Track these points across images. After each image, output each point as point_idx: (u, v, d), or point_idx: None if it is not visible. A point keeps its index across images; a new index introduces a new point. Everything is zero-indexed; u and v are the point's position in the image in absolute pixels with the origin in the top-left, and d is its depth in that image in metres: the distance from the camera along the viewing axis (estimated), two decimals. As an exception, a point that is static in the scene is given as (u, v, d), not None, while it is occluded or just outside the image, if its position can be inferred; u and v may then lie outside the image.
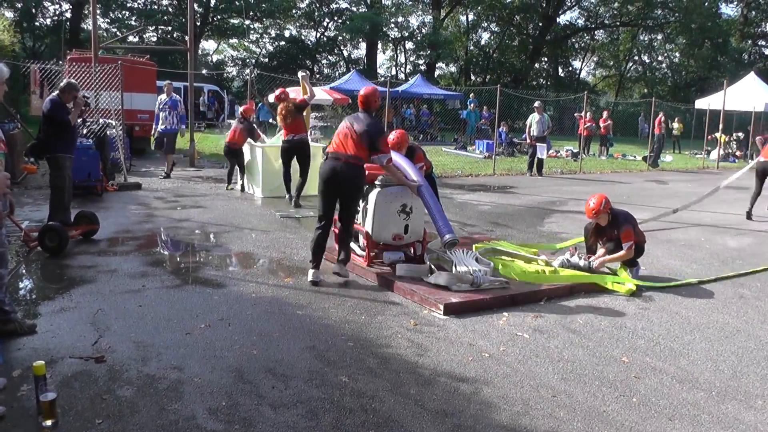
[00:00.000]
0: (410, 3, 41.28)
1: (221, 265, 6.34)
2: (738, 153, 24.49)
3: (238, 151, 10.83)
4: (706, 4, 40.64)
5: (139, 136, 14.73)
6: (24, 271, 5.95)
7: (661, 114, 21.43)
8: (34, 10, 32.58)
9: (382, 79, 32.68)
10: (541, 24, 42.99)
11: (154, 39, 36.06)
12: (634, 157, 21.88)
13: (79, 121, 8.22)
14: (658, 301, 5.65)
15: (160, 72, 16.83)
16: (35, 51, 33.69)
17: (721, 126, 20.95)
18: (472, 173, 15.23)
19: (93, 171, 9.57)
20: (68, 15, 34.40)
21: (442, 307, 5.01)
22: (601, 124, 22.28)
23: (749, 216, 10.19)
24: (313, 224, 5.89)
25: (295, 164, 9.56)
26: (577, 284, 5.81)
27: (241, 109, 11.94)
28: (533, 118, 15.55)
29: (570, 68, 49.21)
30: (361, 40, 40.91)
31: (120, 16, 35.79)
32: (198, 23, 33.67)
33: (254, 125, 11.55)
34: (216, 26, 38.82)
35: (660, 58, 46.75)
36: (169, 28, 35.95)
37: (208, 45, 43.87)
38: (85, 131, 10.00)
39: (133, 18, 35.21)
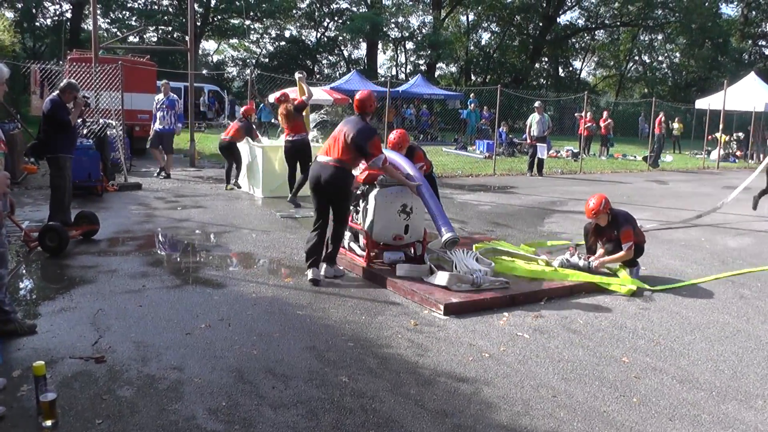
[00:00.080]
0: (410, 3, 41.29)
1: (221, 266, 6.34)
2: (738, 153, 24.48)
3: (232, 146, 10.88)
4: (707, 4, 40.65)
5: (139, 136, 14.72)
6: (24, 271, 5.95)
7: (661, 114, 21.43)
8: (34, 11, 32.61)
9: (383, 79, 32.71)
10: (541, 24, 42.99)
11: (155, 39, 36.08)
12: (635, 157, 21.88)
13: (79, 121, 8.22)
14: (659, 301, 5.65)
15: (161, 72, 16.83)
16: (35, 51, 33.74)
17: (721, 126, 20.93)
18: (472, 173, 15.23)
19: (93, 171, 9.56)
20: (68, 15, 34.43)
21: (442, 307, 5.00)
22: (602, 124, 22.29)
23: (755, 206, 10.29)
24: (313, 226, 5.91)
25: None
26: (578, 284, 5.81)
27: (242, 109, 11.96)
28: (533, 118, 15.55)
29: (570, 68, 49.28)
30: (361, 40, 40.93)
31: (120, 16, 35.81)
32: (198, 23, 33.71)
33: (254, 126, 11.57)
34: (216, 26, 38.85)
35: (660, 58, 46.80)
36: (170, 29, 35.99)
37: (208, 45, 43.97)
38: (85, 131, 10.00)
39: (134, 18, 35.24)
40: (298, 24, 43.25)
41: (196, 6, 25.45)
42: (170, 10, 37.29)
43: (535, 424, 3.37)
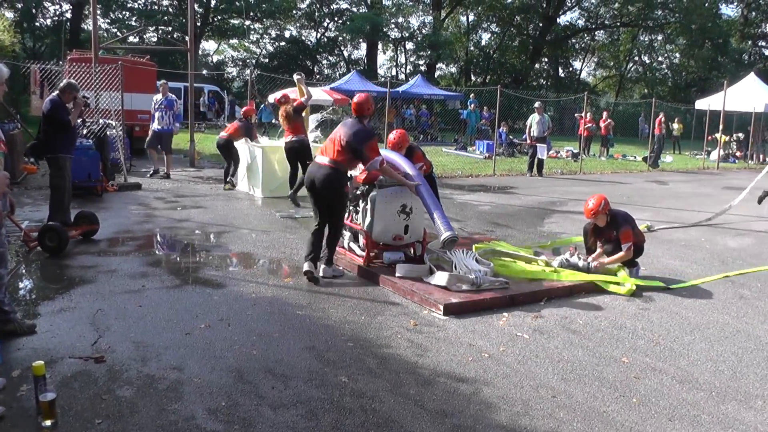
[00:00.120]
0: (411, 3, 41.28)
1: (221, 266, 6.34)
2: (738, 153, 24.49)
3: (229, 144, 10.93)
4: (707, 4, 40.66)
5: (139, 136, 14.70)
6: (24, 271, 5.95)
7: (661, 114, 21.42)
8: (34, 11, 32.60)
9: (383, 79, 32.70)
10: (541, 24, 42.99)
11: (155, 39, 36.07)
12: (635, 157, 21.88)
13: (79, 121, 8.22)
14: (658, 302, 5.65)
15: (161, 72, 16.82)
16: (35, 51, 33.72)
17: (721, 126, 20.94)
18: (472, 174, 15.23)
19: (93, 171, 9.56)
20: (68, 15, 34.41)
21: (442, 307, 5.00)
22: (602, 125, 22.29)
23: (761, 201, 10.50)
24: (313, 224, 5.96)
25: None
26: (577, 284, 5.81)
27: (242, 110, 11.98)
28: (533, 119, 15.55)
29: (570, 69, 49.27)
30: (361, 40, 40.93)
31: (120, 16, 35.80)
32: (198, 24, 33.70)
33: (253, 126, 11.59)
34: (216, 27, 38.85)
35: (660, 58, 46.78)
36: (170, 29, 35.98)
37: (208, 45, 43.96)
38: (85, 131, 10.00)
39: (134, 18, 35.22)
40: (298, 24, 43.25)
41: (196, 6, 25.45)
42: (170, 10, 37.28)
43: (534, 424, 3.37)
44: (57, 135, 6.78)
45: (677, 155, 24.74)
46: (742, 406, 3.70)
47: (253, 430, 3.18)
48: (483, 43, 45.78)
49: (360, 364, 4.00)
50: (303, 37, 43.64)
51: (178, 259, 6.73)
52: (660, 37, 44.86)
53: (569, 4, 44.02)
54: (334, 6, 42.41)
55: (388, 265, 5.93)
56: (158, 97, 11.98)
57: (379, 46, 42.85)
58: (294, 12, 40.90)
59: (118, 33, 31.68)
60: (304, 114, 9.90)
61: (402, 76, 41.98)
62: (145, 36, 35.79)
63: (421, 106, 30.32)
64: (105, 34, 31.78)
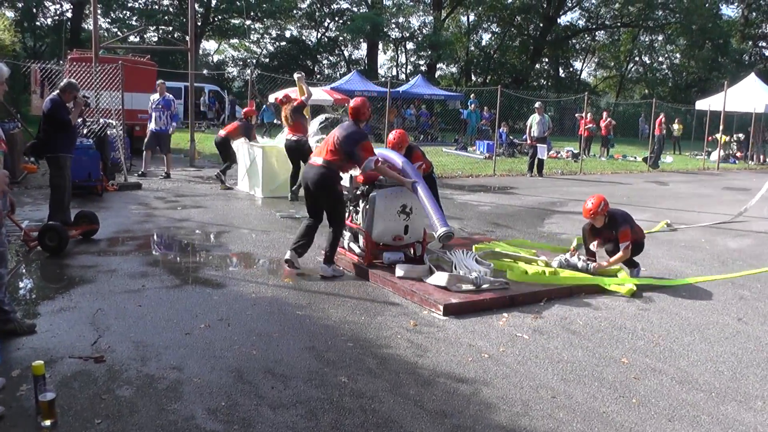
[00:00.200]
0: (411, 3, 41.27)
1: (221, 265, 6.34)
2: (738, 154, 24.48)
3: (227, 143, 11.01)
4: (707, 5, 40.62)
5: (139, 136, 14.67)
6: (24, 270, 5.95)
7: (661, 115, 21.41)
8: (34, 10, 32.60)
9: (383, 79, 32.68)
10: (541, 25, 42.97)
11: (155, 39, 36.03)
12: (635, 158, 21.88)
13: (79, 120, 8.22)
14: (658, 302, 5.64)
15: (161, 72, 16.79)
16: (36, 51, 33.72)
17: (721, 127, 20.94)
18: (472, 174, 15.23)
19: (93, 171, 9.56)
20: (69, 15, 34.40)
21: (441, 307, 5.00)
22: (602, 125, 22.28)
23: None
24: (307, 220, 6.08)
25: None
26: (577, 285, 5.81)
27: (243, 110, 12.00)
28: (534, 119, 15.54)
29: (571, 69, 49.23)
30: (361, 40, 40.90)
31: (121, 16, 35.78)
32: (199, 23, 33.69)
33: (253, 127, 11.60)
34: (217, 26, 38.83)
35: (661, 59, 46.77)
36: (170, 28, 35.99)
37: (208, 45, 43.92)
38: (85, 131, 10.00)
39: (134, 18, 35.21)
40: (298, 24, 43.23)
41: (196, 6, 25.44)
42: (170, 10, 37.26)
43: (534, 424, 3.37)
44: (57, 134, 6.78)
45: (677, 156, 24.74)
46: (741, 406, 3.70)
47: (253, 430, 3.18)
48: (483, 43, 45.81)
49: (360, 365, 4.00)
50: (303, 37, 43.65)
51: (178, 258, 6.73)
52: (660, 38, 44.85)
53: (570, 5, 44.01)
54: (334, 6, 42.42)
55: (388, 265, 5.93)
56: (155, 96, 11.97)
57: (380, 46, 42.83)
58: (294, 12, 40.89)
59: (119, 32, 31.68)
60: (304, 112, 9.95)
61: (402, 76, 41.97)
62: (145, 35, 35.78)
63: (422, 106, 30.32)
64: (105, 34, 31.78)
